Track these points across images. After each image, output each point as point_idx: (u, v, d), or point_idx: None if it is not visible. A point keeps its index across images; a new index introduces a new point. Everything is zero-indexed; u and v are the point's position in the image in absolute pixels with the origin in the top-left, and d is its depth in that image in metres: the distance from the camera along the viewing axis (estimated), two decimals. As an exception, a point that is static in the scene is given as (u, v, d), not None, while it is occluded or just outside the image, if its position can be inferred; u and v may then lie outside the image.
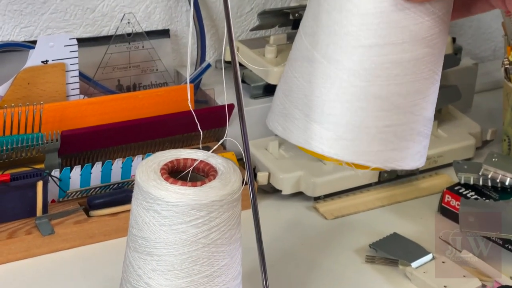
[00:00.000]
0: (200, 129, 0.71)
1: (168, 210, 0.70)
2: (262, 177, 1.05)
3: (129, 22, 1.10)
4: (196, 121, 0.70)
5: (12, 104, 0.95)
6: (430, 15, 0.69)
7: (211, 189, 0.70)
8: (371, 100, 0.68)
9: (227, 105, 1.02)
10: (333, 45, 0.68)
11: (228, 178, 0.72)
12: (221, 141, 0.75)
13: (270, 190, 1.06)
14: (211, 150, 0.74)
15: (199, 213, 0.70)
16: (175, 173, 0.74)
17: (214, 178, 0.72)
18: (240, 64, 1.07)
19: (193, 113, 0.72)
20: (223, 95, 1.12)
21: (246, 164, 0.72)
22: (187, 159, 0.74)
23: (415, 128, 0.71)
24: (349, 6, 0.67)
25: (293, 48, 0.73)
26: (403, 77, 0.68)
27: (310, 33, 0.70)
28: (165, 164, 0.73)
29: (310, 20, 0.71)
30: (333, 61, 0.68)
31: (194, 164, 0.74)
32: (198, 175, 0.75)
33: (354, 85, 0.68)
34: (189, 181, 0.72)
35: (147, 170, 0.72)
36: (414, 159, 0.72)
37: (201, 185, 0.71)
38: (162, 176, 0.71)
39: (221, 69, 1.21)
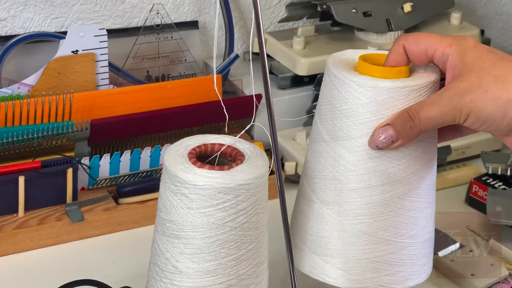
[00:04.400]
0: (225, 112, 0.71)
1: (195, 193, 0.70)
2: (289, 167, 1.06)
3: (158, 13, 1.11)
4: (222, 104, 0.71)
5: (43, 93, 0.97)
6: (406, 157, 0.74)
7: (238, 172, 0.71)
8: (359, 235, 0.75)
9: (255, 95, 1.03)
10: (324, 188, 0.76)
11: (255, 163, 0.73)
12: (248, 126, 0.75)
13: (297, 180, 1.07)
14: (239, 135, 0.74)
15: (226, 197, 0.70)
16: (203, 157, 0.75)
17: (241, 163, 0.73)
18: (268, 55, 1.09)
19: (220, 98, 0.72)
20: (251, 86, 1.13)
21: (273, 150, 0.72)
22: (214, 144, 0.75)
23: (406, 253, 0.77)
24: (333, 155, 0.75)
25: (298, 189, 0.81)
26: (387, 213, 0.75)
27: (308, 175, 0.79)
28: (193, 149, 0.74)
29: (307, 164, 0.79)
30: (324, 202, 0.76)
31: (222, 149, 0.75)
32: (225, 160, 0.75)
33: (343, 223, 0.76)
34: (216, 165, 0.73)
35: (175, 154, 0.73)
36: (412, 278, 0.78)
37: (228, 169, 0.71)
38: (190, 160, 0.72)
39: (249, 60, 1.22)
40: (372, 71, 0.74)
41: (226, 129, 0.75)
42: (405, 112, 0.72)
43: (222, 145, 0.75)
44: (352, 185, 0.75)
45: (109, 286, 0.77)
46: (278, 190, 0.71)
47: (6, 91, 0.99)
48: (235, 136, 0.75)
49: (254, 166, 0.72)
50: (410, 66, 0.75)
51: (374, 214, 0.75)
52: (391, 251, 0.76)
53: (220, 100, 1.07)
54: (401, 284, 0.77)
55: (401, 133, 0.72)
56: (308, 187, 0.78)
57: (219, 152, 0.75)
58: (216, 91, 0.71)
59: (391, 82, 0.73)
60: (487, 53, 0.71)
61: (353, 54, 0.78)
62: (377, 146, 0.73)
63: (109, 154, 0.98)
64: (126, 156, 0.99)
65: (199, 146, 0.75)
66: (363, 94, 0.73)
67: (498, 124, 0.69)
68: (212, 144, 0.75)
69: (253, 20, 0.69)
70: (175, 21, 1.14)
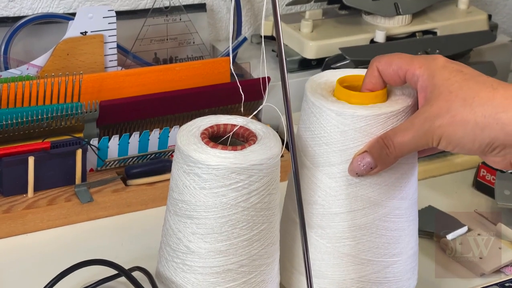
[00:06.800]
0: (241, 92, 0.71)
1: (208, 173, 0.70)
2: (297, 150, 1.06)
3: (166, -5, 1.11)
4: (239, 84, 0.71)
5: (52, 74, 0.97)
6: (386, 181, 0.75)
7: (251, 153, 0.71)
8: (343, 257, 0.76)
9: (264, 78, 1.03)
10: (307, 212, 0.76)
11: (267, 143, 0.73)
12: (261, 107, 0.75)
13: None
14: (251, 116, 0.74)
15: (239, 177, 0.70)
16: (215, 138, 0.75)
17: (254, 143, 0.73)
18: (274, 38, 1.09)
19: (236, 77, 0.72)
20: (258, 69, 1.13)
21: (288, 132, 0.72)
22: (227, 124, 0.75)
23: (390, 271, 0.77)
24: (314, 180, 0.76)
25: (283, 210, 0.82)
26: (369, 235, 0.76)
27: (291, 199, 0.79)
28: (206, 129, 0.74)
29: (291, 187, 0.79)
30: (308, 225, 0.75)
31: (234, 129, 0.75)
32: (237, 140, 0.75)
33: (327, 246, 0.76)
34: (229, 145, 0.73)
35: (187, 134, 0.73)
36: None
37: (241, 149, 0.71)
38: (202, 140, 0.72)
39: (256, 43, 1.22)
40: (350, 97, 0.74)
41: (242, 109, 0.75)
42: (380, 139, 0.72)
43: (235, 125, 0.75)
44: (333, 209, 0.75)
45: (121, 266, 0.77)
46: (293, 170, 0.70)
47: (15, 72, 0.98)
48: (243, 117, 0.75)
49: (267, 147, 0.72)
50: (388, 88, 0.76)
51: (356, 237, 0.76)
52: (375, 270, 0.77)
53: (229, 82, 1.07)
54: None
55: (379, 160, 0.72)
56: (292, 210, 0.79)
57: (231, 133, 0.75)
58: (232, 71, 0.71)
59: (369, 110, 0.73)
60: (456, 73, 0.71)
61: (331, 76, 0.78)
62: (356, 174, 0.73)
63: (117, 135, 0.98)
64: (134, 138, 0.99)
65: (211, 127, 0.75)
66: (341, 122, 0.73)
67: (470, 147, 0.70)
68: (224, 124, 0.75)
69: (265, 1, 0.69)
70: (184, 3, 1.14)
